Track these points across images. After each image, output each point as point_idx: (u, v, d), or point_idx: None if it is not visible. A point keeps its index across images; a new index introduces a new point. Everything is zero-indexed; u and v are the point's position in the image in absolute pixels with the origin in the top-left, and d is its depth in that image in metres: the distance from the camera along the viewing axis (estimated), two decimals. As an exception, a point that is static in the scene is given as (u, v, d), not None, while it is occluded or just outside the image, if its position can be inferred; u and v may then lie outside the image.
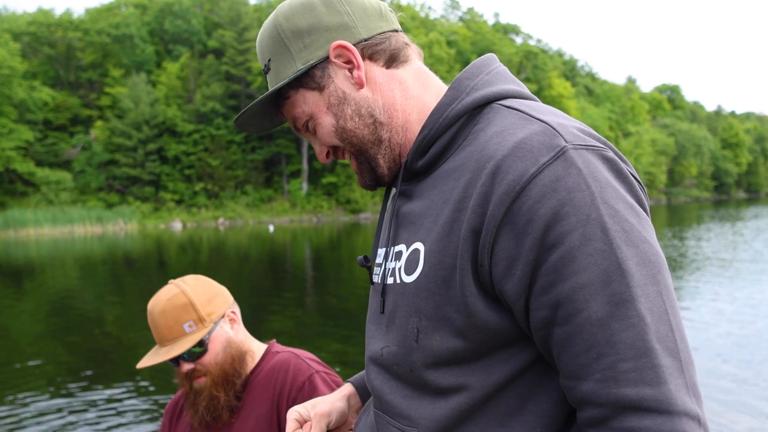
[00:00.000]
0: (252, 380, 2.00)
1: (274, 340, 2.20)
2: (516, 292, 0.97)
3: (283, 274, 20.06)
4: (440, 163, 1.12)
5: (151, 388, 7.72)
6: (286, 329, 10.82)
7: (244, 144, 59.81)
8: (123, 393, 7.52)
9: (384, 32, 1.17)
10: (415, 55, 1.21)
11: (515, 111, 1.06)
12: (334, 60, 1.13)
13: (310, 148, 58.95)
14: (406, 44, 1.20)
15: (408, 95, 1.17)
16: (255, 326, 10.93)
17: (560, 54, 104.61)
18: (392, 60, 1.17)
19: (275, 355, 2.07)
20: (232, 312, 2.03)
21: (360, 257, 1.24)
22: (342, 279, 17.93)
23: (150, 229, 49.67)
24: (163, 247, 32.71)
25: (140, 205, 54.93)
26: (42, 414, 6.84)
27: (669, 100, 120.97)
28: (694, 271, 16.06)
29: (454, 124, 1.10)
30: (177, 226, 51.87)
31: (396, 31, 1.20)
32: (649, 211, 1.04)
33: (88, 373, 8.57)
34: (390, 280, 1.15)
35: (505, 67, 1.21)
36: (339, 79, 1.15)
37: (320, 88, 1.16)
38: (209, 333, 1.94)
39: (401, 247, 1.14)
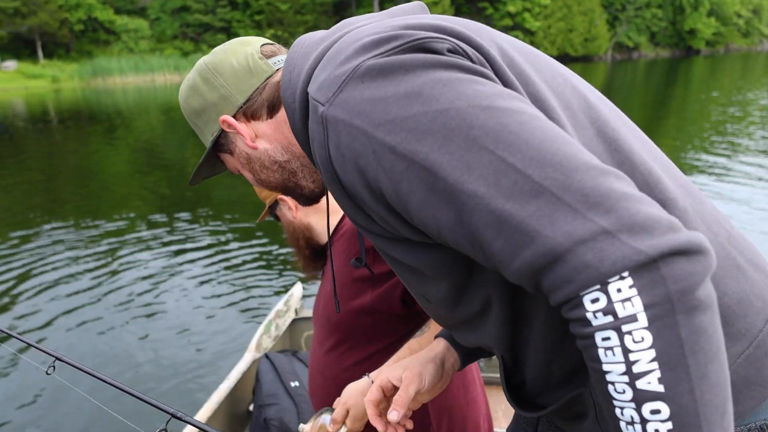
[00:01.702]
0: (333, 240, 1.89)
1: None
2: (412, 234, 0.94)
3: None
4: None
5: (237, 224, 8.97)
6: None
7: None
8: (210, 229, 8.65)
9: (257, 87, 1.20)
10: None
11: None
12: (227, 130, 1.22)
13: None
14: (277, 82, 1.21)
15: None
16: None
17: None
18: (271, 108, 1.21)
19: None
20: (284, 196, 1.95)
21: (353, 261, 1.36)
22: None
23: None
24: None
25: (214, 52, 55.62)
26: (127, 245, 8.21)
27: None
28: None
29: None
30: (250, 72, 52.66)
31: (269, 75, 1.21)
32: (465, 61, 0.89)
33: (170, 211, 9.79)
34: None
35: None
36: (239, 144, 1.24)
37: (230, 152, 1.28)
38: (272, 211, 2.05)
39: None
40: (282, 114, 1.21)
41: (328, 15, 60.32)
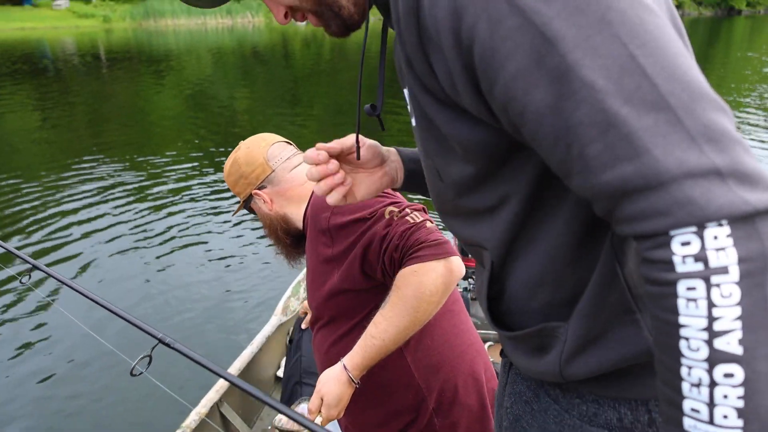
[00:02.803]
0: (306, 227, 1.92)
1: None
2: (473, 105, 0.84)
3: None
4: None
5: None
6: (405, 124, 11.99)
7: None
8: None
9: None
10: None
11: None
12: None
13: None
14: None
15: None
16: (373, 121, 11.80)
17: None
18: None
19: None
20: (259, 191, 1.95)
21: (367, 106, 1.17)
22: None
23: (275, 23, 50.70)
24: (288, 41, 33.99)
25: (266, -3, 55.57)
26: (174, 176, 8.30)
27: None
28: None
29: None
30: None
31: None
32: None
33: (213, 149, 9.89)
34: (413, 122, 1.06)
35: None
36: None
37: None
38: (246, 205, 2.02)
39: (405, 91, 1.04)
40: None
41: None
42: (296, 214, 1.94)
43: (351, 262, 1.68)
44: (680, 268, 0.67)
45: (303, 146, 1.75)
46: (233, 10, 51.60)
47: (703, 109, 0.69)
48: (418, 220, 1.63)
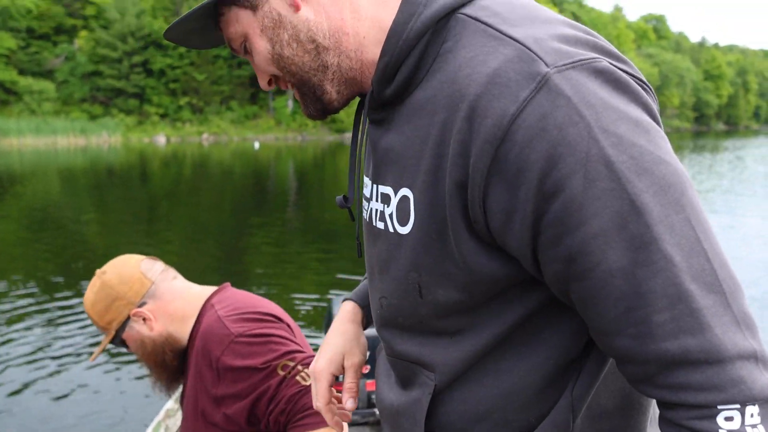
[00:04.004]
0: (190, 348, 1.84)
1: (227, 285, 1.97)
2: (519, 247, 0.85)
3: (267, 191, 20.54)
4: (411, 89, 0.97)
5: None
6: (267, 245, 11.39)
7: (231, 59, 59.02)
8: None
9: None
10: None
11: (482, 26, 0.90)
12: None
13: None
14: None
15: (360, 16, 0.99)
16: (237, 243, 11.43)
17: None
18: None
19: (207, 314, 1.82)
20: (141, 309, 1.82)
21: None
22: (324, 197, 18.43)
23: (134, 143, 49.76)
24: (147, 161, 33.02)
25: (124, 117, 54.68)
26: (11, 314, 7.41)
27: (654, 29, 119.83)
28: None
29: (416, 45, 0.95)
30: (161, 140, 51.90)
31: None
32: (658, 116, 0.89)
33: (60, 279, 9.05)
34: (380, 225, 1.04)
35: None
36: None
37: (253, 8, 1.00)
38: (117, 336, 1.87)
39: (388, 189, 1.01)
40: None
41: (245, 87, 60.17)
42: (181, 331, 1.86)
43: (237, 410, 1.67)
44: None
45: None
46: (88, 130, 49.93)
47: (742, 297, 0.80)
48: (307, 383, 1.62)
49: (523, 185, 0.81)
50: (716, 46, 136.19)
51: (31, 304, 7.77)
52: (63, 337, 6.65)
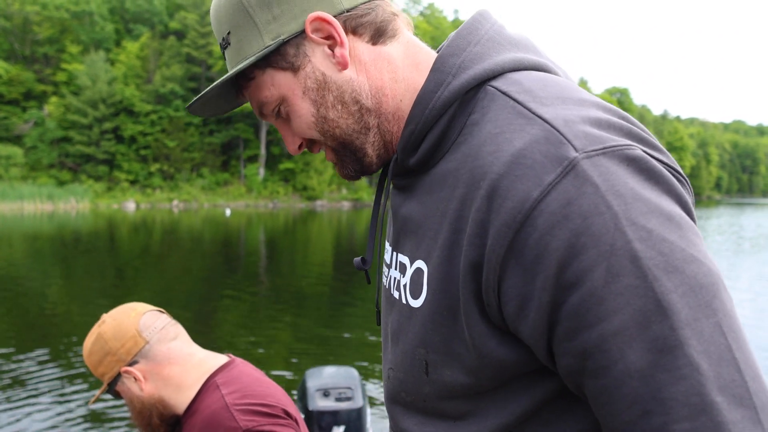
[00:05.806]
0: (185, 422, 1.77)
1: (228, 357, 1.92)
2: (532, 335, 0.81)
3: (237, 258, 20.26)
4: (436, 160, 0.95)
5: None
6: (238, 313, 11.12)
7: (202, 127, 59.30)
8: (58, 371, 7.73)
9: (370, 0, 0.97)
10: (404, 25, 1.02)
11: (511, 102, 0.87)
12: (311, 35, 0.94)
13: (269, 132, 58.81)
14: (394, 14, 1.00)
15: (397, 77, 0.98)
16: (207, 311, 11.22)
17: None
18: (379, 35, 0.97)
19: (211, 395, 1.75)
20: (131, 368, 1.78)
21: (357, 259, 1.08)
22: (296, 264, 18.25)
23: (103, 209, 49.06)
24: (115, 227, 32.50)
25: (93, 183, 54.11)
26: None
27: (618, 102, 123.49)
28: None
29: (443, 115, 0.93)
30: (130, 206, 51.33)
31: None
32: (693, 210, 0.83)
33: (22, 348, 8.67)
34: (396, 294, 1.01)
35: (500, 25, 1.00)
36: (317, 59, 0.95)
37: (294, 69, 0.95)
38: (111, 388, 1.83)
39: (405, 259, 0.99)
40: (387, 51, 0.98)
41: (216, 154, 60.27)
42: (176, 399, 1.79)
43: None
44: None
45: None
46: (55, 196, 49.06)
47: None
48: None
49: (541, 273, 0.77)
50: (678, 118, 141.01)
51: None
52: (17, 407, 6.39)
